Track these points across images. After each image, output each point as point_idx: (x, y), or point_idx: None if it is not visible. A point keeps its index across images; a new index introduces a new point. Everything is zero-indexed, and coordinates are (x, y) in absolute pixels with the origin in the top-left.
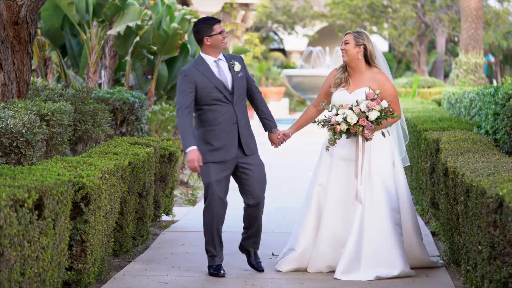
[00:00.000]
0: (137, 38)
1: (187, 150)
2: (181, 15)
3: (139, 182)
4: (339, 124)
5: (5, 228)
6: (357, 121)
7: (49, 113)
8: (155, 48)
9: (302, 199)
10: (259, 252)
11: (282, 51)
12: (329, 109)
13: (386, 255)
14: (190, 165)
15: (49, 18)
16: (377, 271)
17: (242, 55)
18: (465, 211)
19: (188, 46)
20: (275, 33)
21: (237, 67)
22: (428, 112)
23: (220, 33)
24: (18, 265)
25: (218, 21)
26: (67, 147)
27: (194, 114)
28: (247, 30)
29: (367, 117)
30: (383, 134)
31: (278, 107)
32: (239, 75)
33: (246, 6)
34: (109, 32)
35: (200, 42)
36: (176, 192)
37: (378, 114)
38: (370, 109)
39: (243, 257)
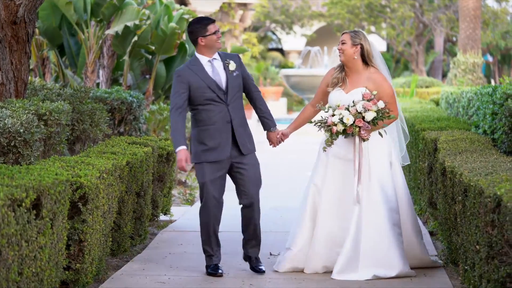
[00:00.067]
0: (135, 38)
1: (176, 150)
2: (179, 15)
3: (137, 181)
4: (335, 125)
5: (2, 228)
6: (354, 122)
7: (47, 113)
8: (153, 47)
9: (300, 198)
10: None
11: (280, 50)
12: (326, 110)
13: (383, 255)
14: (178, 164)
15: (47, 17)
16: (374, 271)
17: (240, 55)
18: (463, 210)
19: (186, 45)
20: (273, 33)
21: (232, 66)
22: (426, 112)
23: (215, 33)
24: (16, 264)
25: (213, 21)
26: (65, 147)
27: (190, 114)
28: (245, 29)
29: (363, 117)
30: (380, 134)
31: (276, 107)
32: (234, 74)
33: (244, 5)
34: (107, 32)
35: (194, 42)
36: (174, 191)
37: (374, 114)
38: (366, 109)
39: (241, 256)
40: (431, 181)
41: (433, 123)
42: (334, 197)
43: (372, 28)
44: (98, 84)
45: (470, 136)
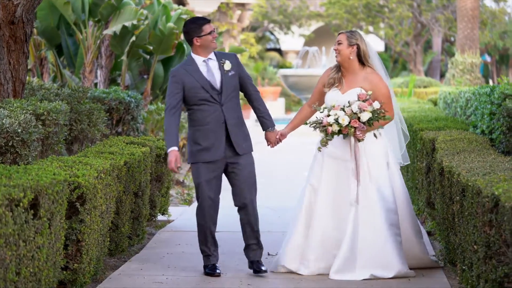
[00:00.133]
0: (133, 38)
1: (168, 151)
2: (177, 15)
3: (134, 181)
4: (330, 125)
5: (0, 228)
6: (349, 122)
7: (45, 113)
8: (151, 47)
9: (297, 198)
10: None
11: (278, 51)
12: (321, 110)
13: (381, 256)
14: (168, 166)
15: (45, 17)
16: (372, 271)
17: (238, 55)
18: (461, 210)
19: (184, 45)
20: (271, 33)
21: (227, 66)
22: (424, 112)
23: (210, 33)
24: (13, 264)
25: (208, 21)
26: (63, 147)
27: (186, 113)
28: (243, 29)
29: (359, 118)
30: (374, 135)
31: (274, 107)
32: (230, 74)
33: (242, 5)
34: (105, 32)
35: (190, 42)
36: (172, 191)
37: (370, 115)
38: (362, 110)
39: (239, 256)
40: (429, 181)
41: (431, 123)
42: (330, 198)
43: (370, 28)
44: (96, 84)
45: (468, 136)
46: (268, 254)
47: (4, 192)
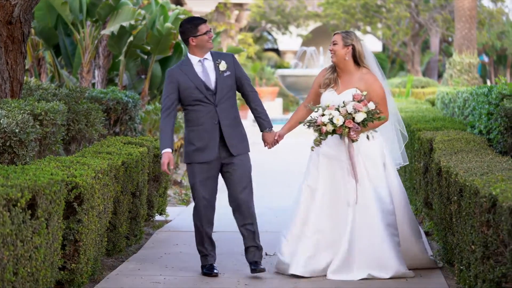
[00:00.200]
0: (131, 38)
1: (161, 152)
2: (175, 15)
3: (132, 181)
4: (325, 125)
5: None
6: (343, 123)
7: (43, 113)
8: (149, 47)
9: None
10: None
11: (276, 51)
12: (315, 110)
13: (378, 257)
14: (161, 168)
15: (42, 17)
16: (369, 271)
17: (236, 55)
18: (459, 210)
19: (182, 46)
20: (269, 33)
21: (222, 66)
22: (421, 112)
23: (206, 33)
24: (11, 264)
25: (204, 21)
26: (61, 147)
27: (183, 113)
28: (241, 30)
29: (353, 118)
30: (367, 137)
31: (272, 107)
32: (225, 74)
33: (240, 6)
34: (102, 32)
35: (186, 42)
36: (170, 192)
37: (364, 116)
38: (356, 110)
39: (236, 256)
40: (426, 181)
41: (429, 123)
42: (326, 198)
43: (368, 28)
44: (93, 84)
45: (466, 136)
46: (266, 254)
47: (1, 192)
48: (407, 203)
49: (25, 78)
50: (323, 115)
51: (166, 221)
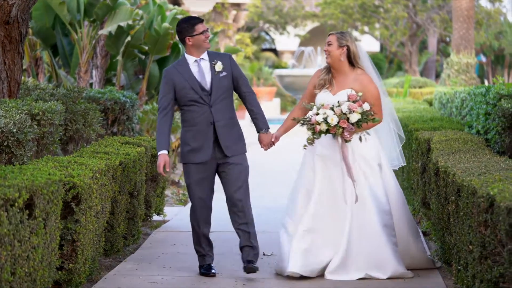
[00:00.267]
0: (129, 38)
1: (158, 154)
2: (173, 15)
3: (130, 181)
4: (319, 124)
5: None
6: (338, 123)
7: (40, 113)
8: (147, 47)
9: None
10: None
11: (274, 51)
12: (309, 107)
13: (376, 257)
14: (157, 169)
15: (40, 17)
16: (367, 272)
17: (234, 55)
18: (456, 210)
19: (180, 46)
20: (267, 33)
21: (218, 66)
22: (419, 112)
23: (202, 33)
24: (8, 264)
25: (201, 21)
26: (58, 147)
27: (180, 113)
28: (238, 30)
29: (347, 119)
30: (359, 139)
31: (270, 107)
32: (221, 75)
33: (237, 6)
34: (100, 32)
35: (182, 42)
36: (167, 192)
37: (359, 116)
38: (351, 111)
39: (234, 257)
40: (424, 181)
41: (427, 123)
42: (323, 198)
43: (366, 29)
44: (91, 84)
45: (463, 136)
46: (264, 254)
47: None
48: (405, 203)
49: (22, 78)
50: (317, 114)
51: (164, 221)
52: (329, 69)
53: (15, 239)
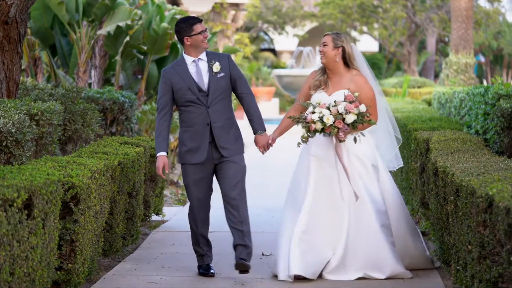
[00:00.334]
0: (127, 38)
1: (157, 156)
2: (171, 15)
3: (129, 181)
4: (314, 122)
5: None
6: (333, 122)
7: (39, 113)
8: (145, 47)
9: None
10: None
11: (273, 51)
12: (305, 105)
13: (374, 257)
14: (157, 171)
15: (39, 17)
16: (366, 271)
17: (232, 55)
18: (455, 210)
19: (178, 46)
20: (266, 33)
21: (216, 67)
22: (418, 112)
23: (200, 33)
24: (7, 265)
25: (199, 21)
26: (57, 147)
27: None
28: (237, 30)
29: (343, 119)
30: (354, 139)
31: (269, 107)
32: (218, 75)
33: (236, 6)
34: (99, 32)
35: (181, 41)
36: (166, 192)
37: (355, 117)
38: (347, 111)
39: (233, 257)
40: (423, 181)
41: (425, 123)
42: (321, 199)
43: (364, 29)
44: (90, 84)
45: (462, 136)
46: (263, 254)
47: None
48: (402, 203)
49: (21, 78)
50: (313, 112)
51: (163, 221)
52: (324, 70)
53: (14, 239)
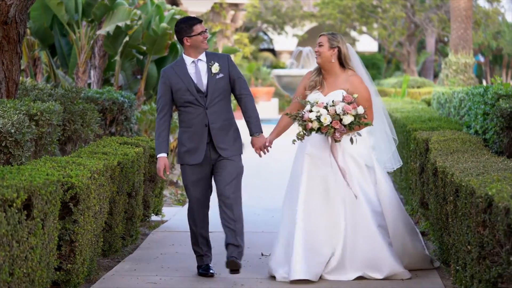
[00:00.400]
0: (127, 38)
1: (157, 157)
2: (171, 15)
3: (128, 182)
4: (311, 121)
5: None
6: (330, 123)
7: (38, 113)
8: (145, 48)
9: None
10: (248, 251)
11: (272, 51)
12: (303, 103)
13: (373, 257)
14: (157, 173)
15: (38, 17)
16: (365, 272)
17: (232, 55)
18: (455, 211)
19: (178, 46)
20: (265, 33)
21: (215, 68)
22: (417, 112)
23: (200, 33)
24: (6, 265)
25: (199, 21)
26: (56, 147)
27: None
28: (236, 30)
29: (340, 120)
30: (351, 140)
31: (268, 107)
32: (217, 76)
33: (235, 6)
34: (98, 32)
35: (180, 42)
36: (166, 192)
37: (352, 119)
38: (345, 112)
39: None
40: (422, 181)
41: (425, 123)
42: (318, 199)
43: (364, 29)
44: (89, 85)
45: (462, 136)
46: (262, 255)
47: None
48: (400, 203)
49: (20, 78)
50: (311, 111)
51: (162, 222)
52: (319, 71)
53: (13, 240)
